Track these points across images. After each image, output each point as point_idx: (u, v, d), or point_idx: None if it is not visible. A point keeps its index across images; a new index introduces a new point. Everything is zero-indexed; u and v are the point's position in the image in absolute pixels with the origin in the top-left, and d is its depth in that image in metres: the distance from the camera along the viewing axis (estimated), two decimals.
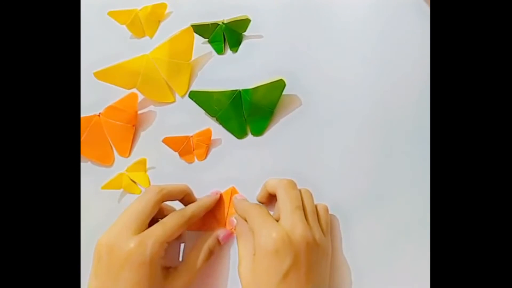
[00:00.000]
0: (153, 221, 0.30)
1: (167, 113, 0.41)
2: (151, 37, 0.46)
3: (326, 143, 0.37)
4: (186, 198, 0.34)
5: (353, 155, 0.36)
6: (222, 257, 0.34)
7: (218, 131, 0.39)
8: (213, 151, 0.39)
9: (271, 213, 0.31)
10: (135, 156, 0.40)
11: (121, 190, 0.38)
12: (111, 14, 0.45)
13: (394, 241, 0.32)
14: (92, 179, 0.39)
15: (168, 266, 0.30)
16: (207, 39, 0.43)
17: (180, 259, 0.34)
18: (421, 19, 0.39)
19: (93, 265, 0.29)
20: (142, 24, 0.46)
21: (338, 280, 0.31)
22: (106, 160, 0.40)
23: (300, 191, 0.32)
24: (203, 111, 0.39)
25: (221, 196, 0.35)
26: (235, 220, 0.33)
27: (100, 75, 0.39)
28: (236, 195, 0.35)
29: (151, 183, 0.38)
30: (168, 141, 0.38)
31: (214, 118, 0.39)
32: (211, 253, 0.32)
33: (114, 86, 0.40)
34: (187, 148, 0.38)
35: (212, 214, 0.35)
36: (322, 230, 0.30)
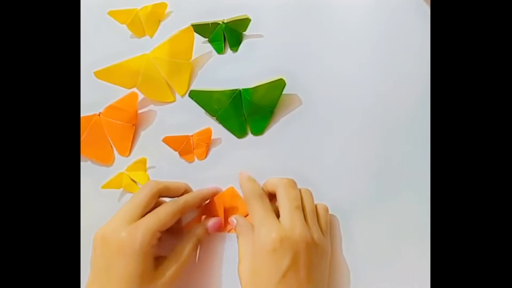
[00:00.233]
0: None
1: (167, 113, 0.41)
2: (151, 37, 0.46)
3: (326, 142, 0.37)
4: None
5: (353, 155, 0.36)
6: (222, 256, 0.34)
7: (218, 130, 0.39)
8: (213, 150, 0.39)
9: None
10: (135, 156, 0.40)
11: (121, 189, 0.38)
12: (111, 13, 0.45)
13: (394, 241, 0.32)
14: (92, 178, 0.39)
15: (163, 256, 0.30)
16: (207, 39, 0.43)
17: None
18: (421, 19, 0.39)
19: (91, 258, 0.29)
20: (142, 23, 0.46)
21: (338, 280, 0.31)
22: (106, 160, 0.40)
23: (300, 190, 0.32)
24: (203, 111, 0.39)
25: (220, 196, 0.35)
26: (235, 220, 0.33)
27: (100, 74, 0.39)
28: (242, 171, 0.34)
29: None
30: (168, 141, 0.38)
31: (214, 118, 0.39)
32: (198, 242, 0.32)
33: (114, 85, 0.40)
34: (187, 147, 0.38)
35: (211, 214, 0.35)
36: (321, 230, 0.30)
